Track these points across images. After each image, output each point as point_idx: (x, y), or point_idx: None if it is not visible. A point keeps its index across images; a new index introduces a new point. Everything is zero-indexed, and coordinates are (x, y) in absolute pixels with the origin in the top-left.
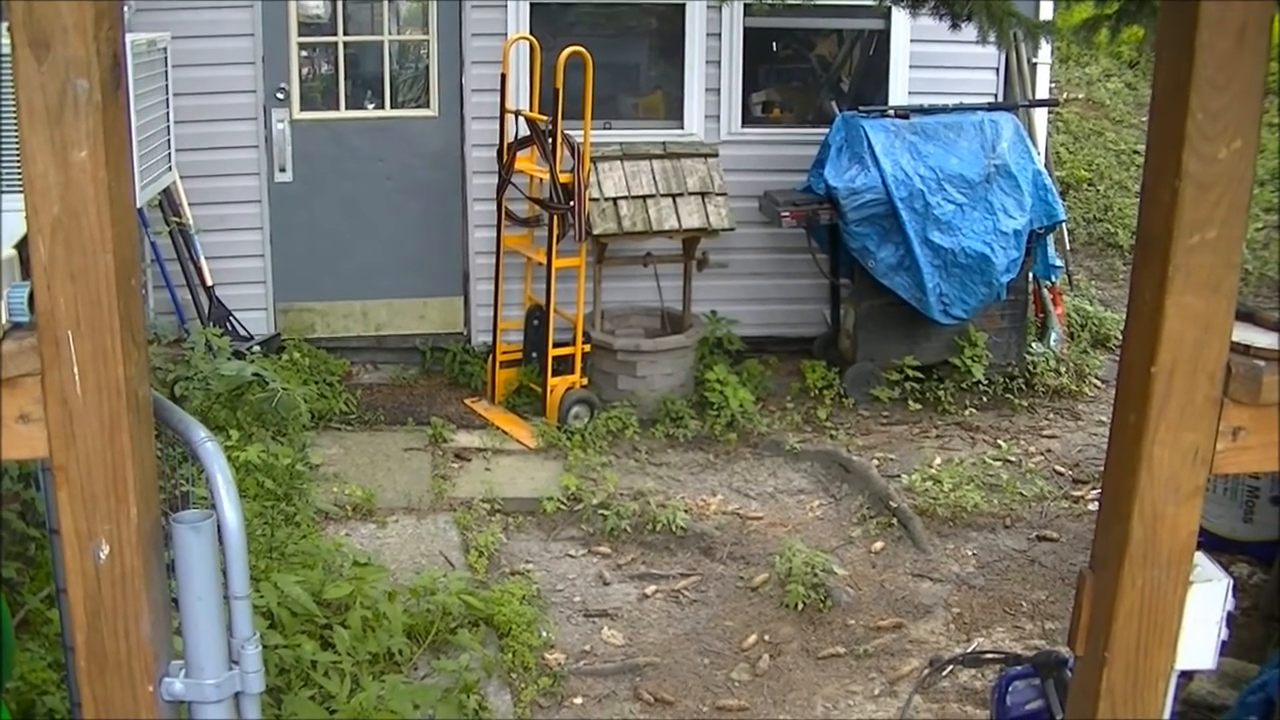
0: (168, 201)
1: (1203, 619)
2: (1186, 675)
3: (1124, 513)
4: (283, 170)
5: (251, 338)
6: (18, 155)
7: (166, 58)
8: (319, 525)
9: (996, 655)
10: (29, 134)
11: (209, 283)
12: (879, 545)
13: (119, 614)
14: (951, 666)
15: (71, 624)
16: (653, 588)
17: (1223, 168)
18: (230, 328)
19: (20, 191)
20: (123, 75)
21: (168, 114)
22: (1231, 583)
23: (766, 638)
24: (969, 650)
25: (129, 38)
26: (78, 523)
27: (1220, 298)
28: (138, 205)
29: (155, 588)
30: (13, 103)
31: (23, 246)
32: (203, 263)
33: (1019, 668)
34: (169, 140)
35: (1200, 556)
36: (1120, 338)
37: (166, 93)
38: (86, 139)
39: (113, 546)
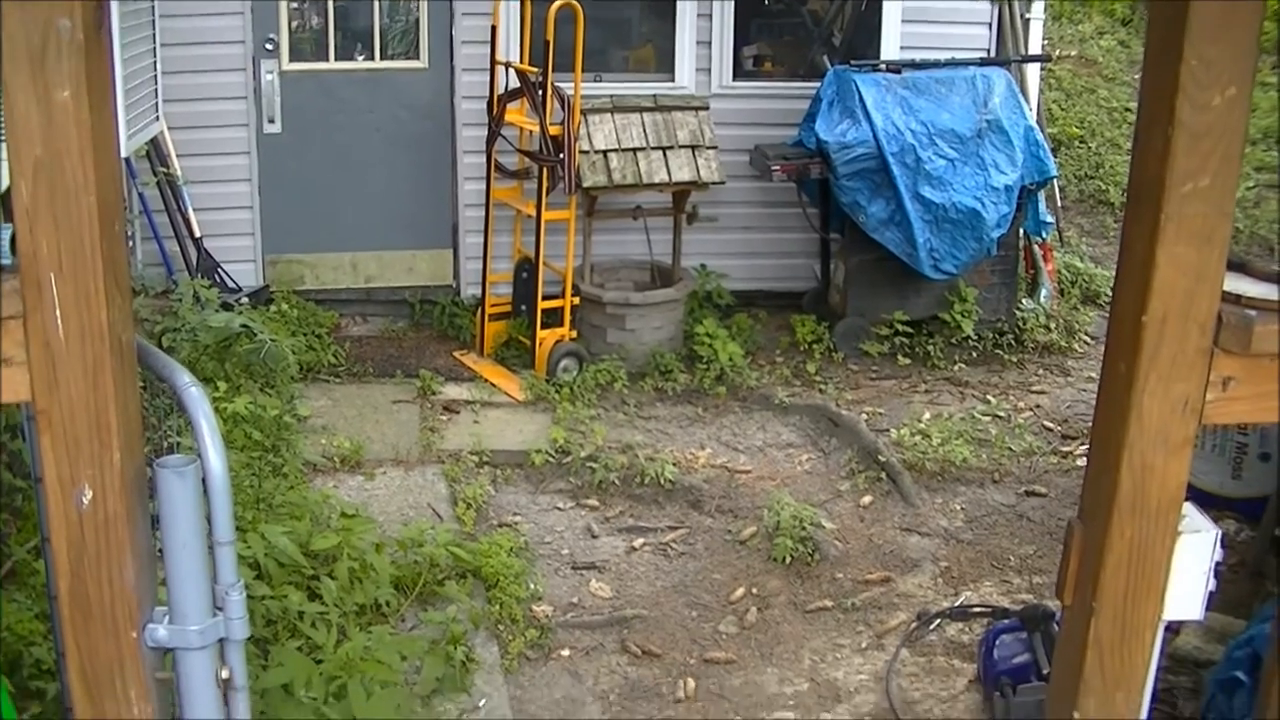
0: (155, 152)
1: (1191, 570)
2: (1173, 630)
3: (1113, 463)
4: (272, 122)
5: (240, 289)
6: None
7: (154, 5)
8: (307, 477)
9: (984, 609)
10: (11, 75)
11: (197, 234)
12: (867, 499)
13: (102, 560)
14: (939, 620)
15: (55, 571)
16: (640, 540)
17: (1216, 115)
18: (218, 279)
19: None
20: (106, 16)
21: (155, 63)
22: (1220, 534)
23: (754, 591)
24: (956, 604)
25: None
26: (60, 468)
27: (1212, 247)
28: (124, 154)
29: (139, 534)
30: None
31: (5, 193)
32: (191, 214)
33: (1006, 621)
34: (156, 90)
35: (1189, 507)
36: (1110, 294)
37: (154, 41)
38: (69, 80)
39: (96, 492)
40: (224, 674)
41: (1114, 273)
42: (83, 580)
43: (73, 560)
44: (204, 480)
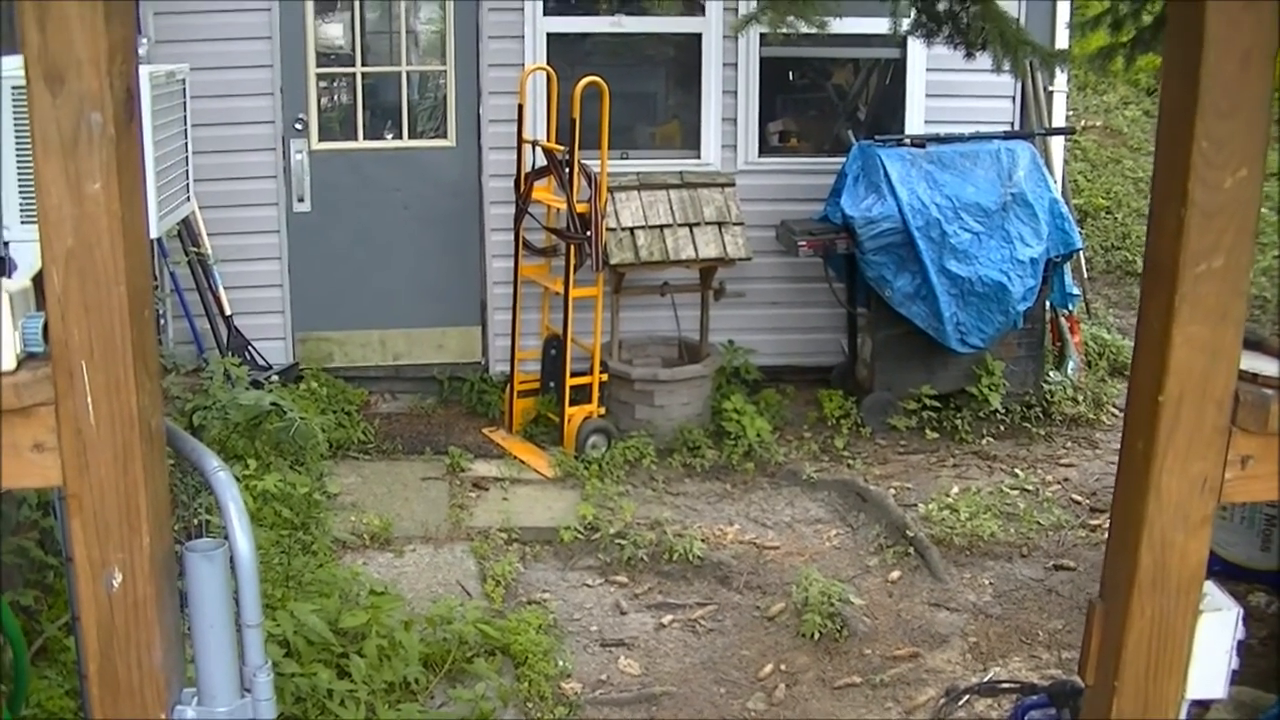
0: (187, 231)
1: (1213, 648)
2: (1202, 705)
3: (1133, 541)
4: (301, 200)
5: (270, 367)
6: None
7: (185, 89)
8: (336, 554)
9: (1012, 685)
10: (43, 166)
11: (228, 312)
12: (895, 574)
13: (131, 641)
14: (968, 696)
15: (84, 651)
16: (669, 617)
17: (1229, 195)
18: (249, 357)
19: (36, 223)
20: (136, 108)
21: (186, 144)
22: (1241, 611)
23: (783, 667)
24: (985, 680)
25: (147, 70)
26: (90, 551)
27: (1228, 325)
28: (156, 235)
29: (168, 616)
30: (28, 136)
31: (39, 278)
32: (221, 292)
33: (1034, 697)
34: (187, 171)
35: (1210, 585)
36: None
37: (185, 124)
38: (100, 171)
39: (125, 574)
40: None
41: None
42: (112, 661)
43: (102, 641)
44: (232, 562)
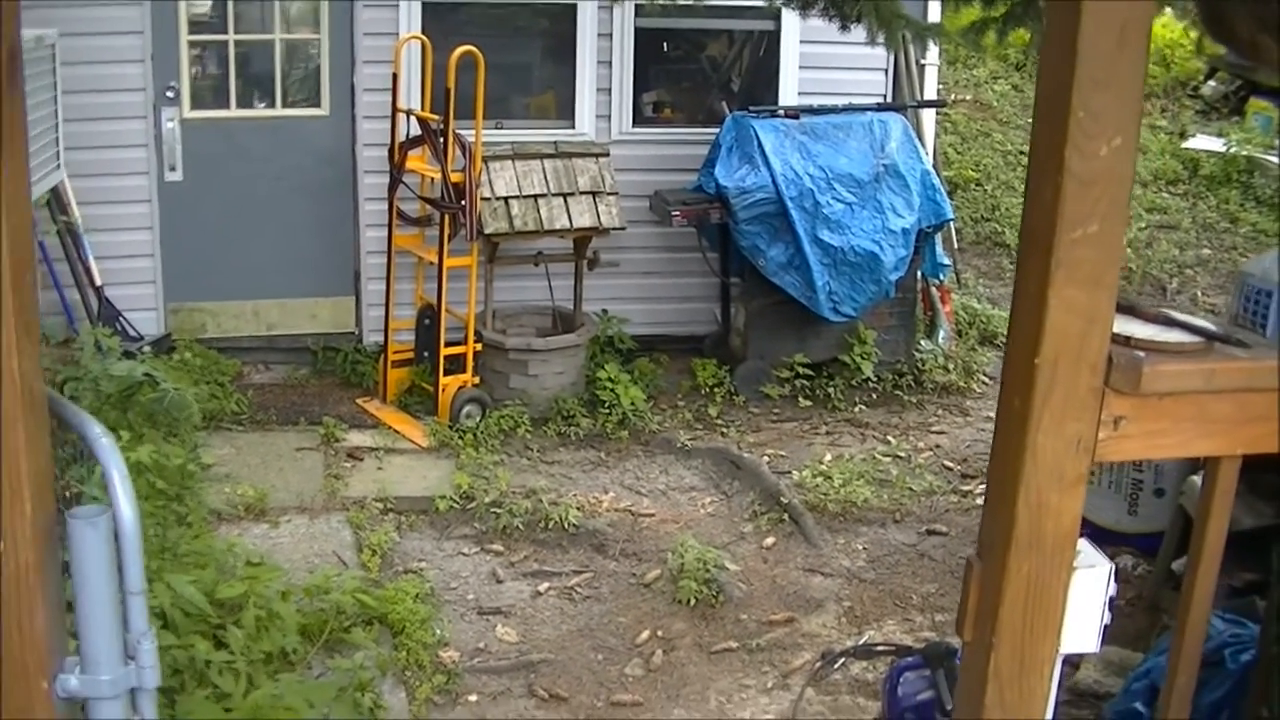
0: (56, 200)
1: (1086, 603)
2: (1073, 664)
3: (1009, 500)
4: (173, 169)
5: (142, 338)
6: None
7: (55, 54)
8: (212, 525)
9: (887, 647)
10: None
11: (98, 283)
12: (770, 541)
13: (14, 611)
14: (843, 659)
15: None
16: (546, 585)
17: (1104, 164)
18: (120, 328)
19: None
20: (19, 70)
21: (56, 111)
22: (1113, 568)
23: (660, 633)
24: (860, 643)
25: None
26: None
27: (1102, 291)
28: None
29: (51, 584)
30: None
31: None
32: (91, 262)
33: (909, 659)
34: (57, 138)
35: (1083, 543)
36: (1006, 335)
37: (55, 90)
38: None
39: (8, 542)
40: None
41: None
42: None
43: None
44: (115, 529)
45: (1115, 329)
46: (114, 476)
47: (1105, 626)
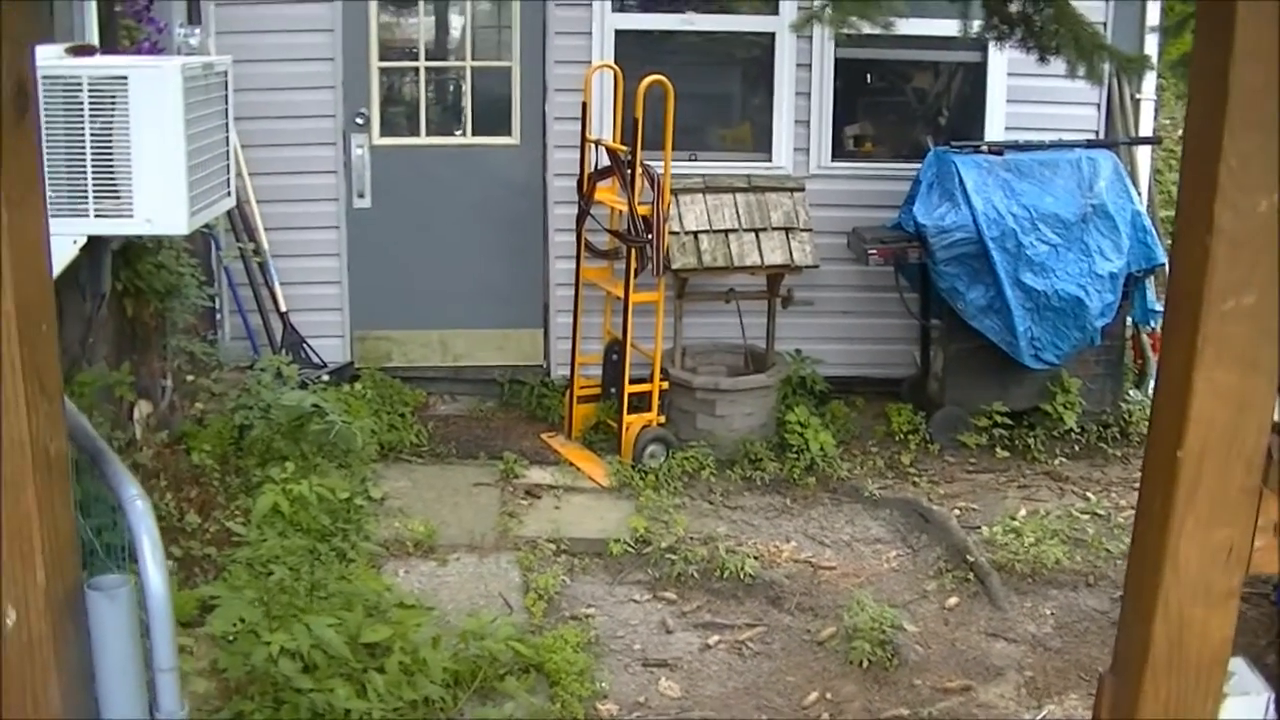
0: (243, 226)
1: None
2: None
3: (1146, 614)
4: (361, 196)
5: (325, 365)
6: None
7: (227, 81)
8: (379, 561)
9: None
10: None
11: (283, 308)
12: (953, 601)
13: (26, 684)
14: None
15: None
16: (716, 637)
17: (1261, 221)
18: (304, 355)
19: None
20: (31, 104)
21: (227, 138)
22: (1273, 696)
23: (828, 695)
24: (1039, 718)
25: (180, 61)
26: None
27: (1258, 373)
28: (187, 231)
29: (69, 657)
30: None
31: None
32: (277, 288)
33: None
34: (227, 165)
35: (1239, 664)
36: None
37: (226, 116)
38: None
39: (19, 613)
40: None
41: None
42: (4, 705)
43: None
44: (143, 598)
45: (1277, 417)
46: (144, 543)
47: None
